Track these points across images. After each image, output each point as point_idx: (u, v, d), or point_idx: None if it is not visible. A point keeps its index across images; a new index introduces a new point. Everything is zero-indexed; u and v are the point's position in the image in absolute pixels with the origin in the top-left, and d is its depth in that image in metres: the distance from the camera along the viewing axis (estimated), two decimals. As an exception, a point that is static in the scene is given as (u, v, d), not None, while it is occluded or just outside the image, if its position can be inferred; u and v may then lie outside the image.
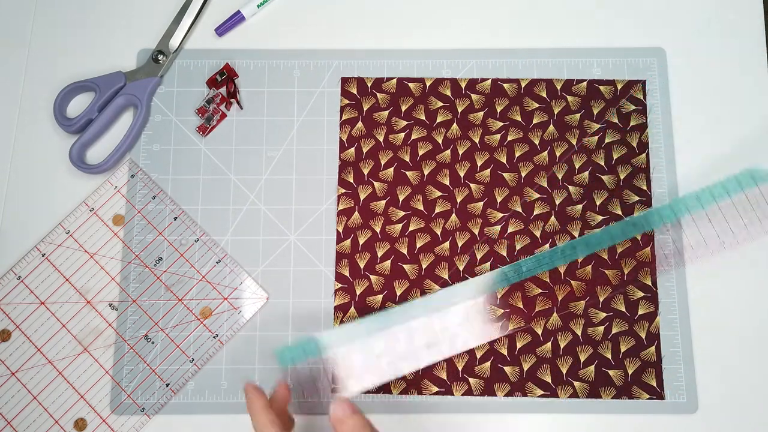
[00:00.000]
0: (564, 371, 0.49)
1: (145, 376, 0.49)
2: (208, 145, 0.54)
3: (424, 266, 0.51)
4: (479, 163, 0.53)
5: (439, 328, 0.47)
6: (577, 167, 0.52)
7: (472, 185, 0.52)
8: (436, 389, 0.49)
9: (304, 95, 0.54)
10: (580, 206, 0.52)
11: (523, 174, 0.52)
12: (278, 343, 0.50)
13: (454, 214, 0.52)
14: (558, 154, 0.53)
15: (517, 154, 0.53)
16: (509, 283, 0.49)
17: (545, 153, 0.53)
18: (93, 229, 0.52)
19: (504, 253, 0.51)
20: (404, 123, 0.53)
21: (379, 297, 0.51)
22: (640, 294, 0.50)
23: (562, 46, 0.55)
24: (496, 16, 0.56)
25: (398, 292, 0.51)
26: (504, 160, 0.53)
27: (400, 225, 0.52)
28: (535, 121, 0.53)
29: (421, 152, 0.53)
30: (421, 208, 0.52)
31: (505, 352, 0.50)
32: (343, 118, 0.54)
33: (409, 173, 0.53)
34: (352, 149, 0.53)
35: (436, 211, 0.52)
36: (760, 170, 0.46)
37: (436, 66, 0.55)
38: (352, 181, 0.52)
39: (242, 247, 0.52)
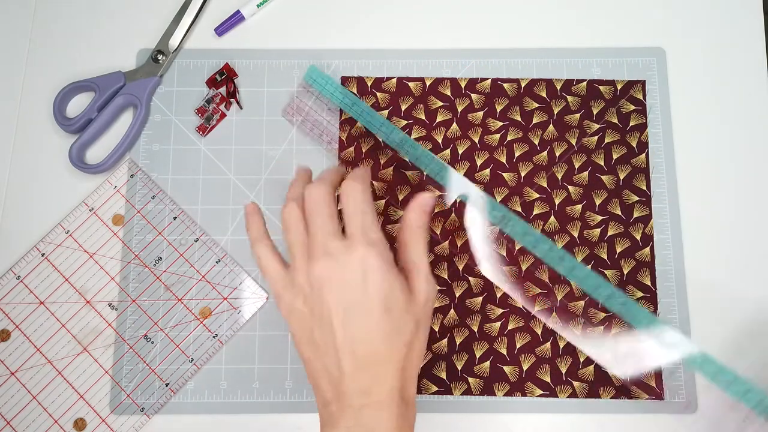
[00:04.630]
0: (563, 371, 0.49)
1: (144, 375, 0.49)
2: (208, 145, 0.54)
3: (423, 266, 0.51)
4: (479, 163, 0.53)
5: None
6: (576, 167, 0.52)
7: (471, 185, 0.52)
8: (435, 389, 0.49)
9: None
10: (579, 206, 0.52)
11: (523, 174, 0.52)
12: (278, 343, 0.50)
13: (453, 214, 0.52)
14: (558, 154, 0.53)
15: (516, 154, 0.53)
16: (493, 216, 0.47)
17: (545, 153, 0.53)
18: (92, 228, 0.52)
19: (503, 252, 0.51)
20: (404, 122, 0.53)
21: (379, 297, 0.51)
22: (640, 294, 0.50)
23: (562, 46, 0.55)
24: (496, 15, 0.56)
25: (398, 292, 0.51)
26: (504, 159, 0.53)
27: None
28: (534, 120, 0.53)
29: (420, 152, 0.53)
30: (421, 207, 0.52)
31: (504, 351, 0.50)
32: (342, 118, 0.54)
33: (408, 173, 0.53)
34: (352, 149, 0.53)
35: (436, 211, 0.52)
36: None
37: (436, 66, 0.55)
38: (351, 180, 0.52)
39: (242, 247, 0.52)
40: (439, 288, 0.51)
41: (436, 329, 0.50)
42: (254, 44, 0.56)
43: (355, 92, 0.54)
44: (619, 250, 0.51)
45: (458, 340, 0.50)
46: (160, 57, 0.54)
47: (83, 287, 0.51)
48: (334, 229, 0.39)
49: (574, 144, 0.53)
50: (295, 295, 0.39)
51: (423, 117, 0.54)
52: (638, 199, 0.52)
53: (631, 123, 0.53)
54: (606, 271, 0.51)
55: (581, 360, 0.49)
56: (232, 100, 0.54)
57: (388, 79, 0.54)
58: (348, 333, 0.37)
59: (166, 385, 0.49)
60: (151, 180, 0.53)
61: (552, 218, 0.52)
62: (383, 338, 0.37)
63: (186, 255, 0.51)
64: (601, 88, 0.54)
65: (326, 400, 0.38)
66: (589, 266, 0.51)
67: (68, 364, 0.50)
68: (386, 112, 0.54)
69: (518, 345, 0.50)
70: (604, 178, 0.52)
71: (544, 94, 0.54)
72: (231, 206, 0.52)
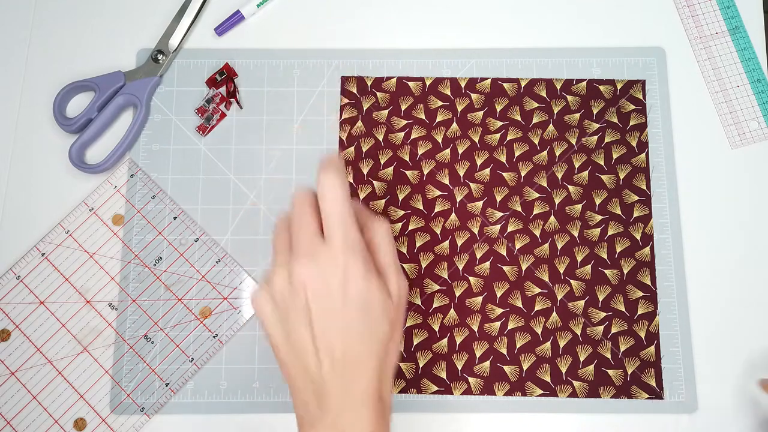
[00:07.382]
0: (563, 371, 0.49)
1: (144, 375, 0.49)
2: (208, 145, 0.54)
3: (423, 265, 0.51)
4: (479, 163, 0.53)
5: None
6: (576, 167, 0.52)
7: (471, 184, 0.52)
8: (435, 388, 0.49)
9: (304, 95, 0.54)
10: (579, 206, 0.52)
11: (523, 173, 0.52)
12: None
13: (453, 214, 0.52)
14: (557, 154, 0.53)
15: (516, 154, 0.53)
16: None
17: (545, 152, 0.53)
18: (92, 228, 0.52)
19: (503, 252, 0.51)
20: (404, 122, 0.53)
21: (379, 296, 0.51)
22: (640, 294, 0.50)
23: (562, 45, 0.55)
24: (496, 16, 0.56)
25: (398, 292, 0.51)
26: (503, 159, 0.53)
27: (400, 224, 0.52)
28: (534, 120, 0.53)
29: (420, 151, 0.53)
30: (421, 207, 0.52)
31: (504, 351, 0.50)
32: (342, 117, 0.54)
33: (408, 172, 0.53)
34: (352, 148, 0.53)
35: (436, 211, 0.52)
36: None
37: (436, 65, 0.55)
38: (351, 180, 0.52)
39: (242, 246, 0.52)
40: (438, 288, 0.51)
41: (436, 329, 0.50)
42: (254, 44, 0.56)
43: (355, 91, 0.54)
44: (619, 249, 0.51)
45: (458, 340, 0.50)
46: (160, 57, 0.54)
47: (83, 287, 0.51)
48: (316, 230, 0.38)
49: (574, 144, 0.53)
50: (273, 296, 0.38)
51: (423, 117, 0.54)
52: (638, 198, 0.52)
53: (631, 123, 0.53)
54: (606, 271, 0.51)
55: (581, 360, 0.49)
56: (232, 100, 0.54)
57: (388, 78, 0.54)
58: (326, 336, 0.37)
59: (166, 385, 0.49)
60: (151, 180, 0.53)
61: (552, 218, 0.52)
62: (360, 340, 0.38)
63: (186, 255, 0.51)
64: (601, 87, 0.54)
65: (305, 401, 0.38)
66: (589, 266, 0.51)
67: (68, 364, 0.50)
68: (386, 111, 0.54)
69: (518, 345, 0.50)
70: (604, 177, 0.52)
71: (544, 94, 0.54)
72: (231, 206, 0.52)
